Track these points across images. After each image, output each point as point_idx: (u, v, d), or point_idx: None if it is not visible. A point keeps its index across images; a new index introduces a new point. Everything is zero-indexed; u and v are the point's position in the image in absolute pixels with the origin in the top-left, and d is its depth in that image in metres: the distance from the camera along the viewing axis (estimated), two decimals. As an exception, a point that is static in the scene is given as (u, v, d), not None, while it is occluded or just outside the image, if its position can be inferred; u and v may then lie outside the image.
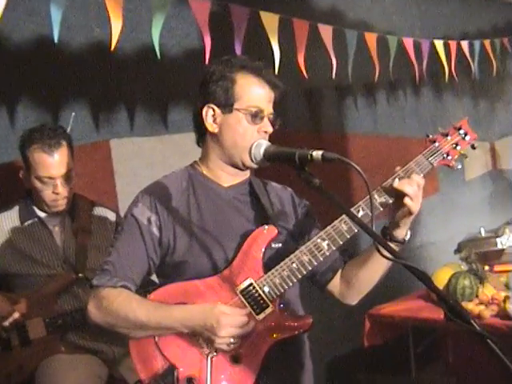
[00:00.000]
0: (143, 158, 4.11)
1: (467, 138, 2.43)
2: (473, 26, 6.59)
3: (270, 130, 2.33)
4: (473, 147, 2.45)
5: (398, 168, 2.30)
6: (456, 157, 2.41)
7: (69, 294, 3.22)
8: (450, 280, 4.33)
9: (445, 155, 2.39)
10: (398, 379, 4.61)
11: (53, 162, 3.14)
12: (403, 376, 4.58)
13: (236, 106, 2.30)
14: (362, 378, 4.72)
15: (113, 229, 3.37)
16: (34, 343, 3.14)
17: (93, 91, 3.90)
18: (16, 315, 3.08)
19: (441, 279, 4.37)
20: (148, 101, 4.15)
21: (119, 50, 3.30)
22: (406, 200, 2.19)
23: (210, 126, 2.34)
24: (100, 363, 3.23)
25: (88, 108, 3.88)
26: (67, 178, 3.20)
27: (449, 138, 2.40)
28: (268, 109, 2.33)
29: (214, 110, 2.33)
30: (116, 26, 3.14)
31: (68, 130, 3.46)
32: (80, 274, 3.22)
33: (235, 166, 2.36)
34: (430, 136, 2.41)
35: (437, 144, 2.38)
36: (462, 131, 2.43)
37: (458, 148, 2.41)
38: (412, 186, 2.19)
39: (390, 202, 2.25)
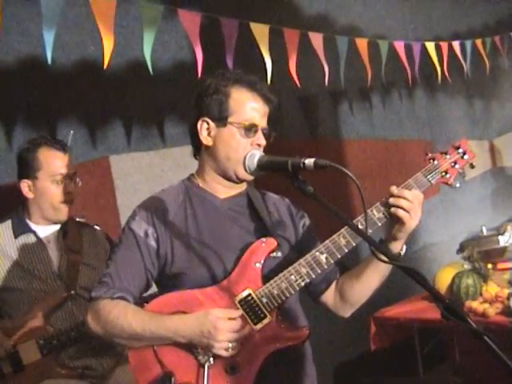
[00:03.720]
0: (143, 173, 4.14)
1: (466, 156, 2.46)
2: (463, 26, 6.61)
3: (263, 143, 2.36)
4: (471, 166, 2.49)
5: (394, 188, 2.30)
6: (454, 175, 2.44)
7: (62, 312, 3.18)
8: (453, 279, 4.35)
9: (443, 173, 2.42)
10: (405, 381, 4.62)
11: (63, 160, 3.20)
12: (411, 377, 4.59)
13: (230, 119, 2.33)
14: (369, 381, 4.72)
15: (104, 247, 3.38)
16: (28, 369, 3.08)
17: (89, 109, 3.93)
18: (1, 350, 3.05)
19: (444, 279, 4.39)
20: (144, 116, 4.18)
21: (113, 66, 3.33)
22: (401, 213, 2.23)
23: (205, 139, 2.37)
24: None
25: (86, 126, 3.90)
26: (71, 179, 3.23)
27: (448, 156, 2.44)
28: (262, 123, 2.37)
29: (208, 124, 2.36)
30: (108, 44, 3.18)
31: (67, 148, 3.49)
32: (72, 292, 3.19)
33: (229, 178, 2.39)
34: (429, 154, 2.44)
35: (436, 162, 2.41)
36: (460, 150, 2.46)
37: (457, 167, 2.44)
38: (407, 201, 2.23)
39: (388, 217, 2.28)
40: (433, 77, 5.59)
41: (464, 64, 5.66)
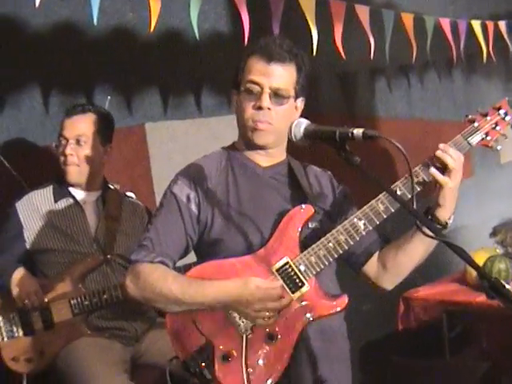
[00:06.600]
0: (177, 142, 4.14)
1: (507, 118, 2.36)
2: (508, 6, 6.46)
3: (264, 105, 2.27)
4: None
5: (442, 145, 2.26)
6: (495, 137, 2.35)
7: (98, 275, 3.24)
8: (485, 263, 4.31)
9: (484, 136, 2.33)
10: (431, 363, 4.58)
11: (67, 124, 3.25)
12: (437, 360, 4.55)
13: (241, 86, 2.33)
14: (395, 361, 4.69)
15: (142, 218, 3.43)
16: (57, 327, 3.15)
17: (127, 75, 3.92)
18: (35, 298, 3.10)
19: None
20: (181, 84, 4.17)
21: (152, 33, 3.29)
22: (439, 177, 2.18)
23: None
24: (123, 347, 3.24)
25: (122, 92, 3.90)
26: (78, 142, 3.24)
27: (488, 118, 2.34)
28: (269, 83, 2.27)
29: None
30: (155, 7, 3.14)
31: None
32: (108, 256, 3.25)
33: (251, 146, 2.37)
34: (469, 116, 2.35)
35: (476, 124, 2.32)
36: (502, 111, 2.36)
37: (498, 128, 2.34)
38: (452, 158, 2.18)
39: (427, 181, 2.23)
40: (472, 57, 5.50)
41: (510, 45, 5.53)
